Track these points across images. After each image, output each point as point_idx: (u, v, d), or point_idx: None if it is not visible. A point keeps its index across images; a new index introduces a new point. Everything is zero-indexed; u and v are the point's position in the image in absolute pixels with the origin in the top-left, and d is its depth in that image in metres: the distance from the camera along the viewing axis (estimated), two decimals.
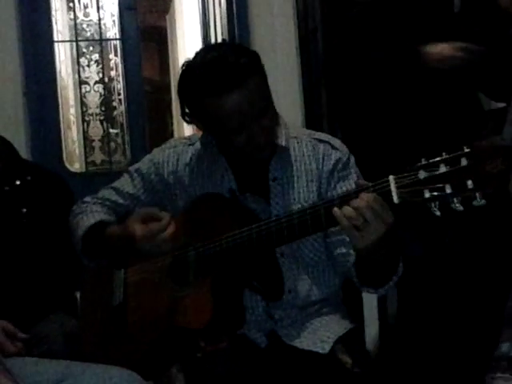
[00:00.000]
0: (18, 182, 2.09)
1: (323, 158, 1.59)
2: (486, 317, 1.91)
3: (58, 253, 2.01)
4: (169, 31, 6.75)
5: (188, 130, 6.01)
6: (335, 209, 1.30)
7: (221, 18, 3.97)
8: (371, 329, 2.12)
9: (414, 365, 2.14)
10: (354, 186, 1.54)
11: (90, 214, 1.65)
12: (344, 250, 1.52)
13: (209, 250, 1.49)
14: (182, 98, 1.54)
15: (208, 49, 1.58)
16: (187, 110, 1.54)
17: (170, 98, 6.97)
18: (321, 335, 1.51)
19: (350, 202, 1.29)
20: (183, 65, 1.54)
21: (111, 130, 3.84)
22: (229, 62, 1.44)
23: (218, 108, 1.45)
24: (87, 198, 1.73)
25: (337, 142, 1.62)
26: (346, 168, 1.59)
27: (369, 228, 1.27)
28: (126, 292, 1.62)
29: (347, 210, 1.28)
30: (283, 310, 1.54)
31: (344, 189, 1.55)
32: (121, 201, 1.69)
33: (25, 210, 2.05)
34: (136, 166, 1.72)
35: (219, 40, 4.03)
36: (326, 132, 3.58)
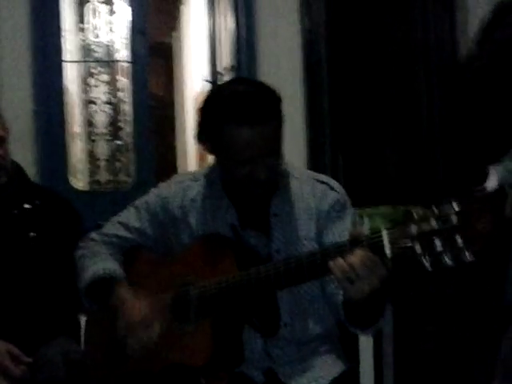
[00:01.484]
0: (26, 206, 2.11)
1: (321, 198, 1.65)
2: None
3: (63, 278, 2.04)
4: (175, 48, 6.82)
5: (190, 145, 6.07)
6: (330, 262, 1.36)
7: (228, 41, 4.04)
8: (366, 368, 2.16)
9: None
10: (349, 226, 1.62)
11: (98, 259, 1.67)
12: (334, 290, 1.56)
13: (210, 291, 1.54)
14: (203, 117, 1.60)
15: (243, 80, 1.66)
16: (203, 130, 1.60)
17: (173, 115, 7.03)
18: (316, 375, 1.57)
19: (345, 256, 1.34)
20: (213, 87, 1.61)
21: (117, 142, 3.88)
22: (259, 99, 1.52)
23: (233, 137, 1.51)
24: (94, 235, 1.76)
25: (335, 184, 1.69)
26: (343, 209, 1.65)
27: (362, 282, 1.32)
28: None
29: (341, 263, 1.34)
30: (280, 349, 1.59)
31: (340, 229, 1.61)
32: (128, 235, 1.72)
33: (32, 234, 2.08)
34: (142, 199, 1.75)
35: (225, 62, 4.10)
36: (328, 158, 3.67)
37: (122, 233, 1.73)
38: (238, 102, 1.51)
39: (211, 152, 1.64)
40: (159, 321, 1.56)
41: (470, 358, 2.06)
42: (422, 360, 2.15)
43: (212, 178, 1.69)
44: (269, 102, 1.53)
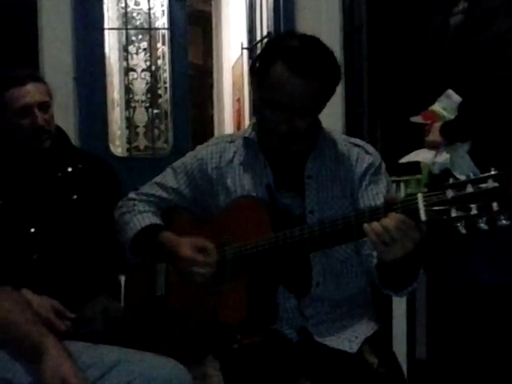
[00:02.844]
0: (69, 169, 2.16)
1: (357, 161, 1.67)
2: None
3: (105, 239, 2.10)
4: (214, 17, 6.81)
5: (228, 113, 6.09)
6: (365, 225, 1.37)
7: (267, 8, 4.02)
8: (399, 330, 2.18)
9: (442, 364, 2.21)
10: (383, 190, 1.64)
11: (139, 215, 1.72)
12: (368, 251, 1.58)
13: (245, 251, 1.57)
14: (261, 53, 1.65)
15: (310, 37, 1.63)
16: (254, 67, 1.63)
17: (212, 83, 7.05)
18: (349, 335, 1.59)
19: (380, 219, 1.36)
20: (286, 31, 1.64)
21: (154, 111, 3.92)
22: (320, 54, 1.55)
23: (281, 76, 1.53)
24: (132, 195, 1.80)
25: (370, 148, 1.71)
26: (378, 173, 1.67)
27: (396, 245, 1.34)
28: (168, 283, 1.72)
29: (376, 226, 1.35)
30: (314, 308, 1.63)
31: (374, 192, 1.64)
32: (165, 195, 1.76)
33: (75, 196, 2.13)
34: (180, 161, 1.78)
35: (264, 30, 4.09)
36: (365, 130, 3.65)
37: (160, 193, 1.77)
38: (299, 50, 1.54)
39: (255, 88, 1.65)
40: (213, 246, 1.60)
41: (502, 319, 2.06)
42: (455, 322, 2.16)
43: (249, 139, 1.71)
44: (328, 61, 1.56)
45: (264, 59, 1.59)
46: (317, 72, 1.53)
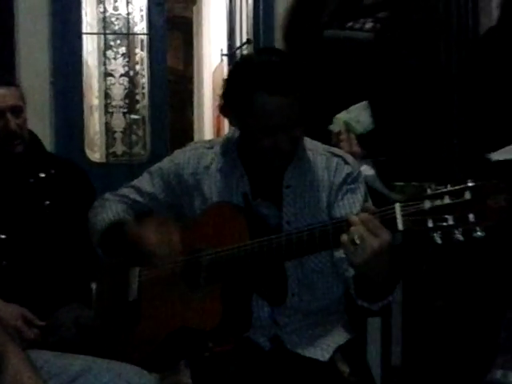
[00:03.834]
0: (42, 175, 2.14)
1: (335, 171, 1.67)
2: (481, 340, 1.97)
3: (77, 245, 2.08)
4: (195, 22, 6.81)
5: (208, 120, 6.08)
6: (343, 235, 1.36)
7: (247, 15, 4.02)
8: (374, 336, 2.18)
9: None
10: (360, 199, 1.64)
11: (110, 210, 1.72)
12: (342, 255, 1.56)
13: (221, 258, 1.56)
14: (232, 85, 1.60)
15: (274, 50, 1.66)
16: (230, 99, 1.60)
17: (192, 89, 7.04)
18: (321, 343, 1.58)
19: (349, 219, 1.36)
20: (243, 56, 1.62)
21: (132, 116, 3.90)
22: (290, 69, 1.54)
23: (264, 104, 1.52)
24: (107, 195, 1.79)
25: (349, 158, 1.71)
26: (355, 182, 1.66)
27: (364, 244, 1.33)
28: (141, 289, 1.70)
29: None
30: (287, 317, 1.62)
31: (351, 201, 1.63)
32: (140, 199, 1.75)
33: (48, 202, 2.11)
34: (157, 166, 1.77)
35: (244, 36, 4.09)
36: None
37: (135, 196, 1.76)
38: (271, 71, 1.53)
39: (236, 122, 1.64)
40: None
41: (477, 334, 2.07)
42: (430, 333, 2.16)
43: (228, 146, 1.70)
44: (298, 72, 1.55)
45: (240, 94, 1.57)
46: (294, 84, 1.53)
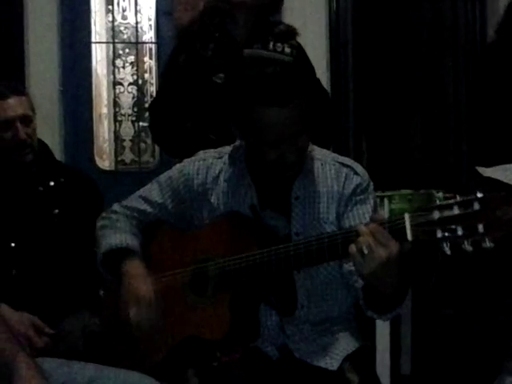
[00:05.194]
0: (51, 183, 2.16)
1: (345, 182, 1.65)
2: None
3: (85, 253, 2.08)
4: None
5: None
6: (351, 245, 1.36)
7: None
8: (383, 344, 2.18)
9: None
10: (370, 210, 1.63)
11: (118, 232, 1.69)
12: (351, 268, 1.55)
13: (229, 267, 1.55)
14: (229, 101, 1.60)
15: (267, 61, 1.61)
16: (229, 117, 1.60)
17: None
18: (330, 352, 1.58)
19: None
20: (235, 70, 1.61)
21: (141, 124, 3.91)
22: (287, 79, 1.51)
23: (263, 117, 1.51)
24: (116, 207, 1.78)
25: (359, 168, 1.69)
26: (365, 193, 1.65)
27: (372, 254, 1.33)
28: None
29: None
30: (295, 326, 1.61)
31: (361, 212, 1.62)
32: (149, 210, 1.74)
33: (57, 210, 2.12)
34: (166, 175, 1.76)
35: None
36: (351, 144, 3.66)
37: (144, 207, 1.75)
38: (265, 82, 1.51)
39: (240, 138, 1.64)
40: (161, 306, 1.58)
41: (486, 342, 2.06)
42: (439, 342, 2.16)
43: (236, 156, 1.69)
44: (297, 80, 1.53)
45: (238, 109, 1.57)
46: (291, 92, 1.51)
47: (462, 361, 2.13)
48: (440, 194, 2.50)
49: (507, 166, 2.10)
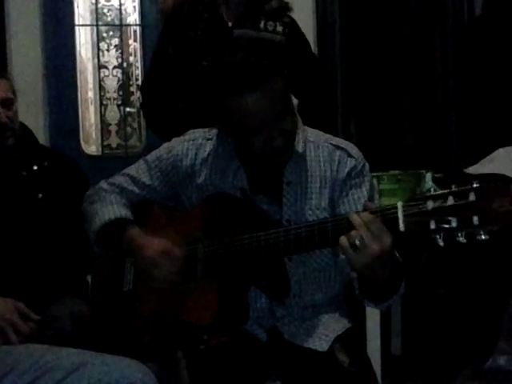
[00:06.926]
0: (35, 168, 2.12)
1: (338, 165, 1.61)
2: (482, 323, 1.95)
3: (71, 237, 2.06)
4: None
5: None
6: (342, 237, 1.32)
7: None
8: (373, 325, 2.17)
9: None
10: (365, 194, 1.59)
11: (110, 205, 1.66)
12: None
13: (218, 251, 1.53)
14: (206, 97, 1.57)
15: (233, 50, 1.59)
16: (208, 111, 1.57)
17: None
18: (320, 333, 1.56)
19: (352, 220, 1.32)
20: (206, 66, 1.58)
21: (128, 109, 3.86)
22: (251, 63, 1.47)
23: (238, 107, 1.47)
24: (103, 184, 1.73)
25: (353, 150, 1.64)
26: (360, 176, 1.61)
27: (365, 248, 1.29)
28: (137, 279, 1.67)
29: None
30: (285, 309, 1.59)
31: (356, 196, 1.58)
32: (138, 191, 1.70)
33: (41, 195, 2.09)
34: (154, 155, 1.72)
35: None
36: (339, 125, 3.64)
37: (132, 187, 1.71)
38: (232, 72, 1.47)
39: (225, 133, 1.60)
40: (180, 249, 1.56)
41: (478, 321, 2.06)
42: (430, 322, 2.15)
43: (225, 137, 1.65)
44: (263, 61, 1.48)
45: (213, 104, 1.53)
46: (259, 76, 1.46)
47: (453, 341, 2.13)
48: (429, 175, 2.48)
49: (489, 157, 2.09)
